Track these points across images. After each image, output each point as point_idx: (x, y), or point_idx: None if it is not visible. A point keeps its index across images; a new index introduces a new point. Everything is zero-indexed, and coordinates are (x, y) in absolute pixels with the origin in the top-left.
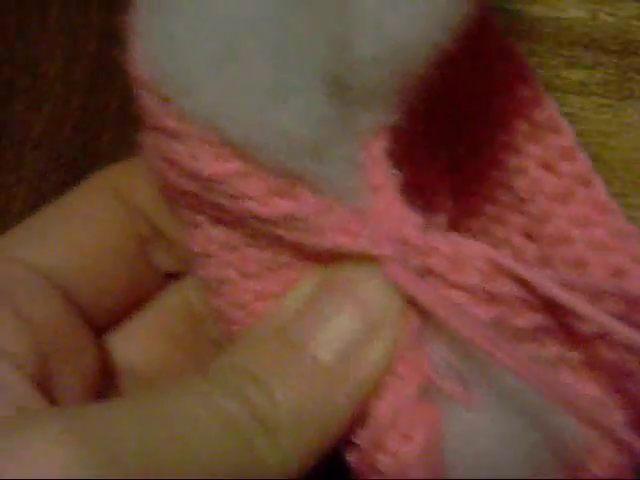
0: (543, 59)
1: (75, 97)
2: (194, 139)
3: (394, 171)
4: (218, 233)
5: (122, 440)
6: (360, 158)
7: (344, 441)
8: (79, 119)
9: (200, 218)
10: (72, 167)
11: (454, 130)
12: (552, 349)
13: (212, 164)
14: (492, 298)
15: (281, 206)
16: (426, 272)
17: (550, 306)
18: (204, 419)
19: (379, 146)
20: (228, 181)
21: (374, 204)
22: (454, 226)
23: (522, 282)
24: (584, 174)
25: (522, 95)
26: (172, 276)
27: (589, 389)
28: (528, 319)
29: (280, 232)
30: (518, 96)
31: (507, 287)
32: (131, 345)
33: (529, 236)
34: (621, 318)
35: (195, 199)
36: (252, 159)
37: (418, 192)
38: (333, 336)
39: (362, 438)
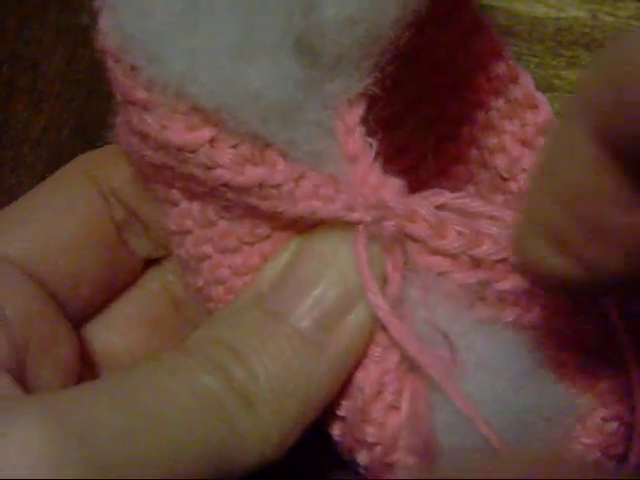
0: (543, 59)
1: (75, 97)
2: (164, 109)
3: (370, 139)
4: (194, 209)
5: (97, 421)
6: (333, 125)
7: (328, 414)
8: (79, 119)
9: (176, 194)
10: None
11: (432, 107)
12: (537, 313)
13: (183, 133)
14: (474, 263)
15: (253, 173)
16: (406, 237)
17: None
18: (181, 394)
19: (354, 114)
20: (199, 150)
21: (351, 172)
22: None
23: (507, 244)
24: None
25: (498, 71)
26: (151, 262)
27: (574, 354)
28: (511, 282)
29: (253, 200)
30: (493, 73)
31: (490, 251)
32: (111, 333)
33: None
34: None
35: (169, 173)
36: (223, 126)
37: (397, 157)
38: (312, 305)
39: (347, 410)
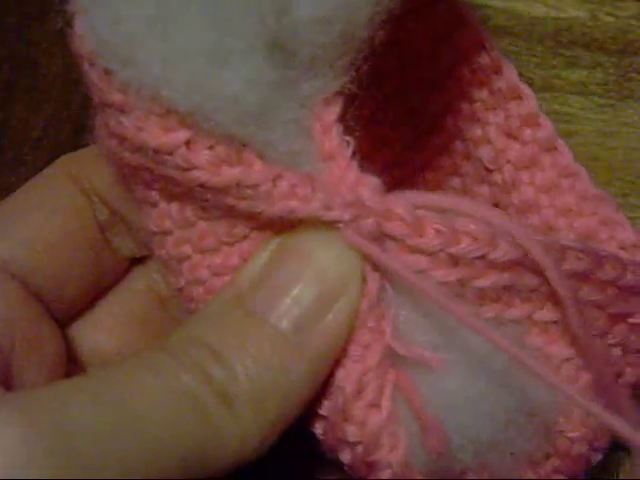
0: (543, 59)
1: (75, 97)
2: (139, 111)
3: (347, 137)
4: (173, 209)
5: (73, 419)
6: (309, 124)
7: (310, 413)
8: (79, 119)
9: (154, 195)
10: None
11: (414, 100)
12: (519, 309)
13: (158, 135)
14: (453, 260)
15: (230, 174)
16: (384, 236)
17: (516, 265)
18: (161, 393)
19: (331, 113)
20: (176, 152)
21: (328, 171)
22: None
23: (485, 241)
24: (548, 140)
25: (481, 63)
26: (136, 261)
27: (558, 349)
28: (491, 279)
29: (230, 201)
30: (477, 64)
31: (468, 248)
32: (98, 332)
33: (496, 206)
34: (587, 276)
35: (147, 174)
36: (198, 127)
37: (378, 152)
38: (291, 305)
39: (328, 409)
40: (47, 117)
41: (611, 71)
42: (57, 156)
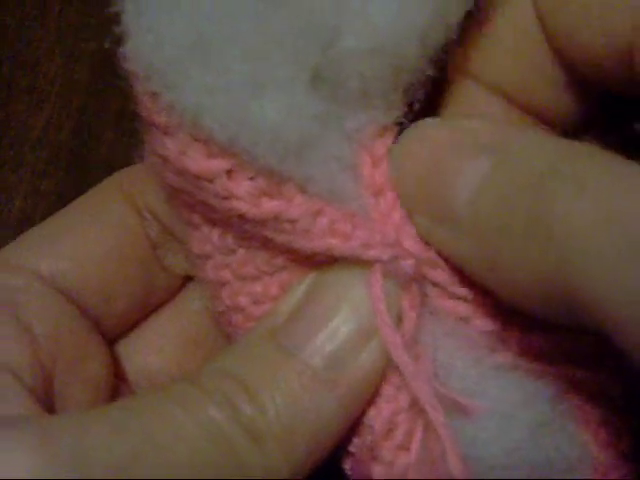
0: None
1: (75, 97)
2: (183, 135)
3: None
4: (214, 235)
5: (92, 447)
6: (354, 159)
7: (341, 449)
8: (79, 119)
9: (197, 218)
10: (72, 167)
11: None
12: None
13: (201, 161)
14: (495, 309)
15: (269, 207)
16: (425, 281)
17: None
18: (187, 426)
19: (383, 145)
20: (216, 180)
21: (374, 207)
22: None
23: None
24: None
25: None
26: (191, 279)
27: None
28: (534, 330)
29: (269, 233)
30: None
31: None
32: (147, 351)
33: None
34: None
35: (189, 197)
36: (240, 157)
37: None
38: (324, 341)
39: (357, 447)
40: (47, 117)
41: None
42: (57, 156)
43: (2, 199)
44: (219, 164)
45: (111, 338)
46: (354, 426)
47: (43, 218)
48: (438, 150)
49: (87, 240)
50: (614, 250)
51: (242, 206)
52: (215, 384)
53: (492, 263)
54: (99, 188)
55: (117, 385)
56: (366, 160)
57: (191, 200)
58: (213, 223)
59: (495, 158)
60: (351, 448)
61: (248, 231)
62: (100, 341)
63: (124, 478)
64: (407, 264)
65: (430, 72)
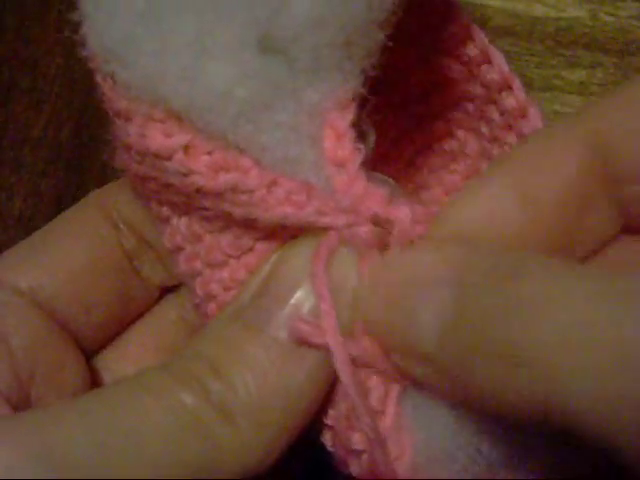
0: (543, 59)
1: (75, 97)
2: (141, 117)
3: (359, 145)
4: (182, 224)
5: (65, 439)
6: (315, 131)
7: (319, 425)
8: (79, 119)
9: (166, 211)
10: (72, 167)
11: (409, 98)
12: None
13: (158, 139)
14: None
15: (225, 178)
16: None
17: None
18: (157, 412)
19: (344, 119)
20: (175, 156)
21: (336, 180)
22: None
23: None
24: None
25: (470, 55)
26: (168, 290)
27: None
28: None
29: (227, 206)
30: (467, 57)
31: None
32: (125, 362)
33: None
34: None
35: (155, 185)
36: (197, 132)
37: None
38: (289, 314)
39: (334, 418)
40: (47, 117)
41: (611, 71)
42: (57, 156)
43: (2, 199)
44: (176, 140)
45: (91, 350)
46: (329, 398)
47: (43, 218)
48: (398, 286)
49: (63, 254)
50: (589, 364)
51: (200, 180)
52: (184, 367)
53: (467, 395)
54: (79, 204)
55: None
56: (328, 133)
57: (157, 187)
58: (180, 212)
59: (454, 290)
60: (328, 421)
61: (208, 209)
62: (78, 353)
63: (92, 467)
64: (364, 230)
65: (381, 38)
